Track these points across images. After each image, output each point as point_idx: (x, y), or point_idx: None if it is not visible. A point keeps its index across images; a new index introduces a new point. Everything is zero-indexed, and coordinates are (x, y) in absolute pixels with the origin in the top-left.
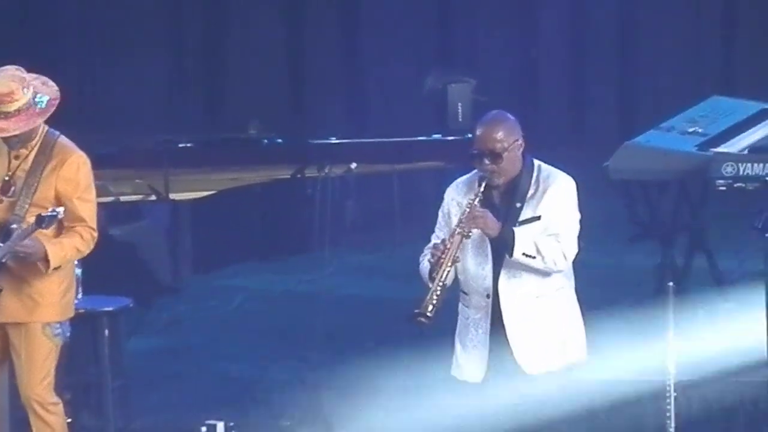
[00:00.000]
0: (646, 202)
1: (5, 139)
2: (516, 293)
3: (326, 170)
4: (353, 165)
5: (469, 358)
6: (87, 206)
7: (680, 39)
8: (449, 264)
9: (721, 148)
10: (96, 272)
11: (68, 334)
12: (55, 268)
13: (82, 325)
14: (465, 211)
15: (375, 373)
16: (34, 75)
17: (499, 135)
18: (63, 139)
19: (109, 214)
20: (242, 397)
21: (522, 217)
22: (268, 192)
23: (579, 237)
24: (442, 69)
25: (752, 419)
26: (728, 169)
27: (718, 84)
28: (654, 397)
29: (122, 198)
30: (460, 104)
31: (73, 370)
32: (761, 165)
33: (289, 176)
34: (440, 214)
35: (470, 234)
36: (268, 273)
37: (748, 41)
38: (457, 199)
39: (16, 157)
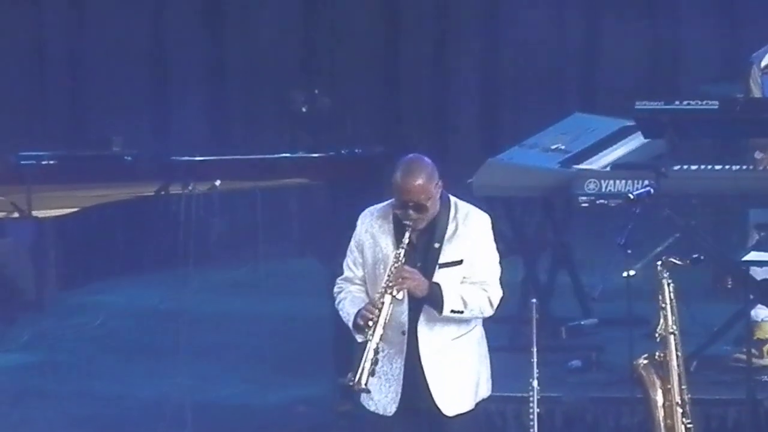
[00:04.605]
0: (509, 218)
1: None
2: (435, 337)
3: (190, 187)
4: (217, 182)
5: (381, 390)
6: None
7: (542, 55)
8: (382, 327)
9: (584, 165)
10: None
11: None
12: None
13: None
14: (391, 269)
15: (243, 390)
16: None
17: (421, 184)
18: None
19: None
20: (106, 415)
21: (442, 259)
22: (132, 209)
23: None
24: (309, 85)
25: None
26: (591, 185)
27: (580, 101)
28: (517, 413)
29: None
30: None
31: None
32: (623, 181)
33: (152, 193)
34: (353, 243)
35: (398, 296)
36: (132, 290)
37: (609, 58)
38: (371, 231)
39: None
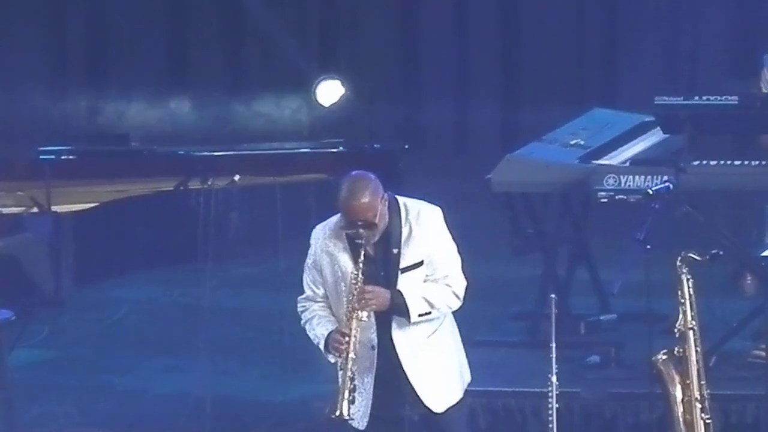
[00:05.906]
0: (528, 214)
1: None
2: (410, 340)
3: (209, 182)
4: (236, 177)
5: (354, 405)
6: None
7: (562, 51)
8: (354, 353)
9: (603, 161)
10: None
11: None
12: None
13: None
14: (353, 292)
15: (261, 385)
16: None
17: (367, 202)
18: None
19: None
20: (125, 410)
21: (403, 264)
22: (151, 204)
23: (462, 250)
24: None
25: (633, 430)
26: (610, 181)
27: (599, 96)
28: (536, 408)
29: (4, 210)
30: None
31: None
32: (642, 177)
33: (172, 188)
34: (310, 262)
35: (364, 317)
36: (152, 285)
37: (628, 54)
38: (327, 250)
39: None
